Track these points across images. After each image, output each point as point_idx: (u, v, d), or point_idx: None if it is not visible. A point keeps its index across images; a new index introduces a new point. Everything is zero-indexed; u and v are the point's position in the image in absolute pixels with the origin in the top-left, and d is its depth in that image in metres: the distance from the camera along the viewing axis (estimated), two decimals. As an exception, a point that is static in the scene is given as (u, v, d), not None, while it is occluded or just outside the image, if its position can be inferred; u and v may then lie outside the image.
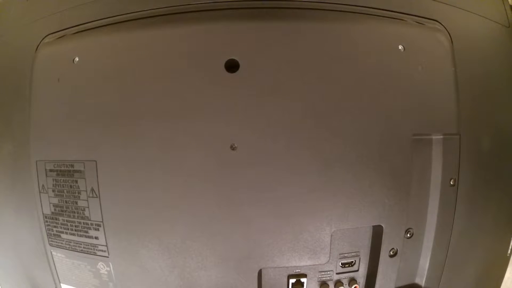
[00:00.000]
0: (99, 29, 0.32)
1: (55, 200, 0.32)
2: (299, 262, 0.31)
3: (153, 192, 0.30)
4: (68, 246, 0.33)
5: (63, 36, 0.34)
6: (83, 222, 0.31)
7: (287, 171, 0.29)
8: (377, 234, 0.31)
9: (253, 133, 0.29)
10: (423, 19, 0.32)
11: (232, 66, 0.29)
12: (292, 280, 0.31)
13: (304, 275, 0.32)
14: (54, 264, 0.34)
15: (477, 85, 0.34)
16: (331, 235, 0.30)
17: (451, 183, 0.33)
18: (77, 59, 0.31)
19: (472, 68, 0.34)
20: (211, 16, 0.31)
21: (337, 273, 0.32)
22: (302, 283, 0.32)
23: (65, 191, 0.32)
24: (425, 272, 0.34)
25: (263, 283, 0.31)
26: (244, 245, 0.30)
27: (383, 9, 0.33)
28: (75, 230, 0.32)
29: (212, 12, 0.31)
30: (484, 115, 0.35)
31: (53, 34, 0.34)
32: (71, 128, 0.31)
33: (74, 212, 0.31)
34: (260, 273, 0.31)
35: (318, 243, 0.30)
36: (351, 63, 0.30)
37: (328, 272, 0.32)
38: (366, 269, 0.33)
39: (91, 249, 0.32)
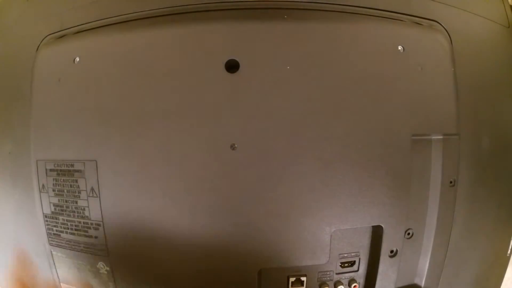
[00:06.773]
0: (100, 29, 0.32)
1: (55, 200, 0.32)
2: (299, 262, 0.31)
3: (153, 192, 0.30)
4: (68, 245, 0.33)
5: (64, 36, 0.34)
6: (83, 222, 0.31)
7: (287, 171, 0.29)
8: (377, 234, 0.31)
9: (253, 133, 0.29)
10: (423, 19, 0.33)
11: (232, 66, 0.29)
12: (292, 280, 0.31)
13: (304, 275, 0.32)
14: (54, 263, 0.34)
15: (477, 85, 0.34)
16: (331, 235, 0.30)
17: (451, 183, 0.33)
18: (77, 59, 0.31)
19: (471, 69, 0.34)
20: (211, 16, 0.31)
21: (337, 273, 0.32)
22: (302, 283, 0.32)
23: (65, 190, 0.32)
24: (425, 272, 0.33)
25: (263, 283, 0.31)
26: (244, 245, 0.30)
27: (382, 10, 0.33)
28: (75, 230, 0.32)
29: (212, 13, 0.31)
30: (484, 115, 0.35)
31: (54, 34, 0.34)
32: (72, 128, 0.31)
33: (74, 212, 0.32)
34: (260, 273, 0.31)
35: (318, 243, 0.30)
36: (351, 64, 0.30)
37: (328, 272, 0.32)
38: (366, 269, 0.33)
39: (91, 248, 0.32)
